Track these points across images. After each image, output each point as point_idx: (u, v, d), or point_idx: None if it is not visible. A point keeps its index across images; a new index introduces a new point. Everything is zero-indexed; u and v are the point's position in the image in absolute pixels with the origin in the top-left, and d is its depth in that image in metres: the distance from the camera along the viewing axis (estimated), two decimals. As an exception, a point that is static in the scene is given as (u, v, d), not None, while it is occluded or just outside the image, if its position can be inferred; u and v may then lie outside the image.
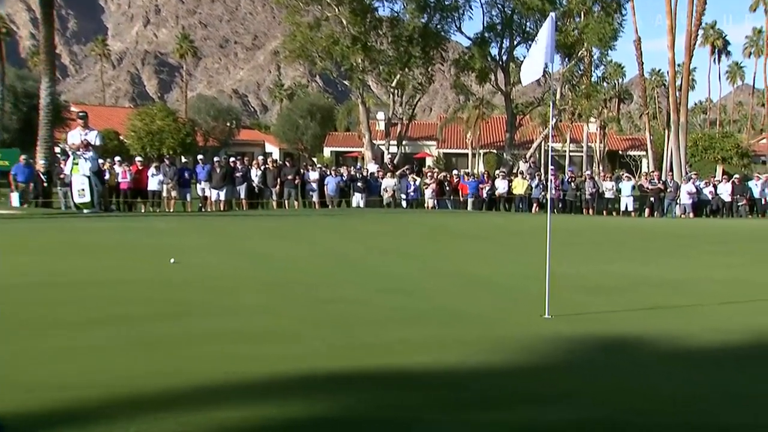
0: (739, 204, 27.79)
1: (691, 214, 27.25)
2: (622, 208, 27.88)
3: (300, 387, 4.71)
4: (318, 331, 6.47)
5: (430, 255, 12.90)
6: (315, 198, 26.80)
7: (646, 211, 27.91)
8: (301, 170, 28.45)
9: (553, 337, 6.37)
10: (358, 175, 28.23)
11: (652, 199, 27.94)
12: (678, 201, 27.86)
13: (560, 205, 27.38)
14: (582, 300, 8.43)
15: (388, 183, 27.53)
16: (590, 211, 27.61)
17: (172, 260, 10.21)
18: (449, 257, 12.70)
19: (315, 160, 53.83)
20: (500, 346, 6.02)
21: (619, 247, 15.06)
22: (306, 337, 6.23)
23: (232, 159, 27.54)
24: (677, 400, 4.62)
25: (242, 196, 25.94)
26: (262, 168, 26.68)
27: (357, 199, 27.11)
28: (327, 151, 67.18)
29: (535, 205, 27.29)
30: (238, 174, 25.94)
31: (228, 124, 66.51)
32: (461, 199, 27.89)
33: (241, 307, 7.55)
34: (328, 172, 28.46)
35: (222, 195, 25.44)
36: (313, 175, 27.31)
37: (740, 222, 24.74)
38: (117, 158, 27.03)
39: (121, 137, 52.47)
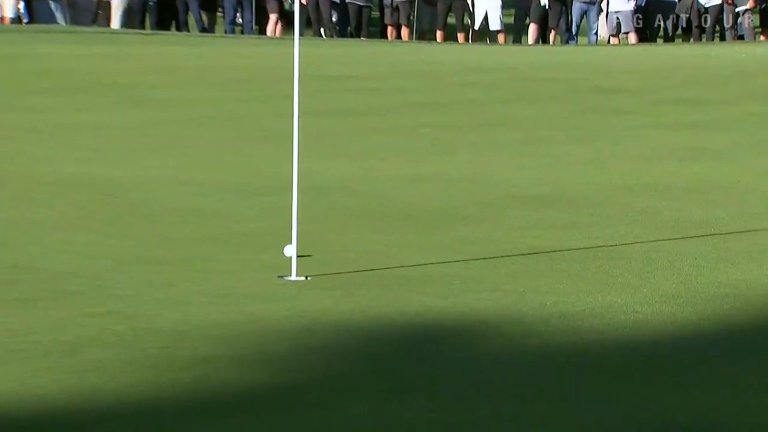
0: (737, 12, 29.14)
1: (633, 36, 28.59)
2: (477, 25, 28.76)
3: None
4: None
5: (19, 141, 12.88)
6: None
7: (532, 30, 28.99)
8: None
9: (304, 325, 6.61)
10: None
11: (546, 3, 29.00)
12: (604, 8, 29.12)
13: (335, 21, 27.94)
14: (372, 240, 8.86)
15: None
16: (401, 32, 28.33)
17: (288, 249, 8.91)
18: (55, 148, 12.72)
19: None
20: (168, 350, 6.07)
21: (461, 118, 15.87)
22: None
23: None
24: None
25: None
26: None
27: None
28: None
29: (273, 16, 27.67)
30: None
31: None
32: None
33: None
34: None
35: None
36: None
37: (732, 52, 26.28)
38: None
39: None
